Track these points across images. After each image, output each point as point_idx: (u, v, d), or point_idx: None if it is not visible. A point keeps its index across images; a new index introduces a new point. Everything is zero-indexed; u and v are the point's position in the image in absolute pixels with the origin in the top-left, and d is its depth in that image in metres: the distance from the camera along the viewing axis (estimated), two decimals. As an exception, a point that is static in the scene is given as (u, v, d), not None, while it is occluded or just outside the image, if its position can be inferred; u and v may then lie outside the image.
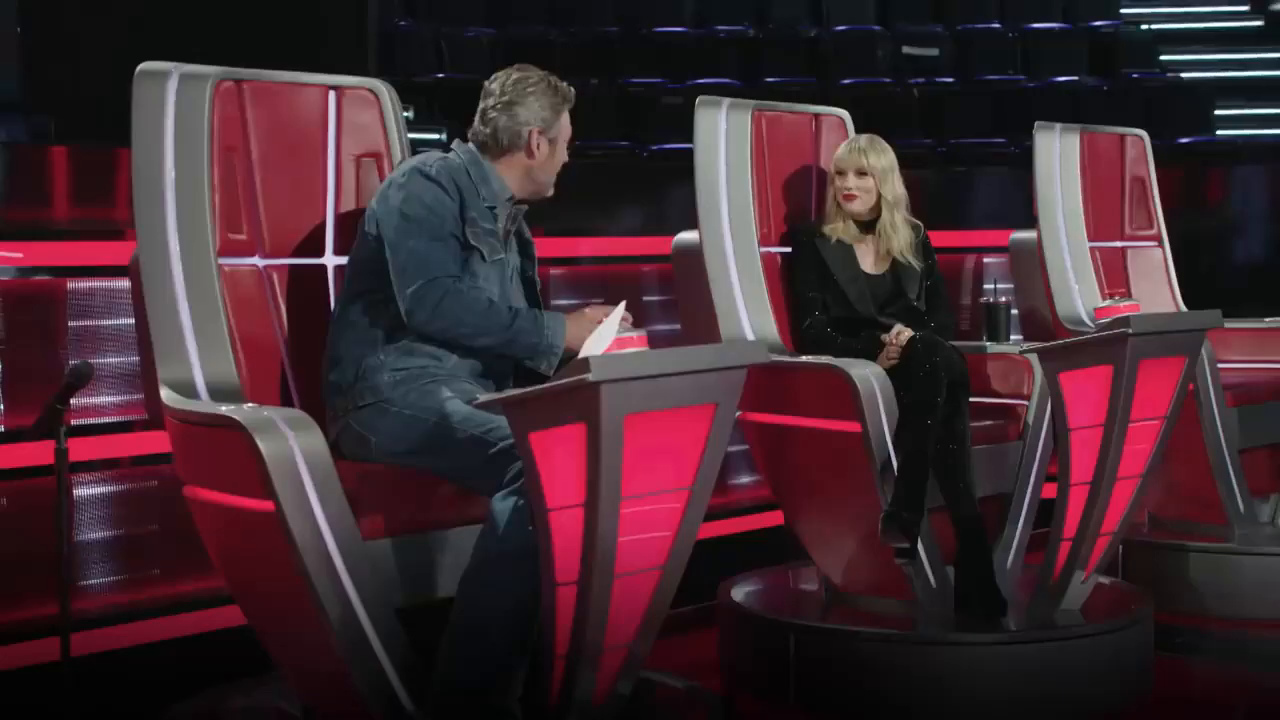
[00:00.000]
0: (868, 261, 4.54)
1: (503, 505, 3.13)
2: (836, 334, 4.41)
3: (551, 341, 3.46)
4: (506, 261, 3.59)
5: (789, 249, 4.61)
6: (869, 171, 4.49)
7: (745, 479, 6.03)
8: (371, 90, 3.84)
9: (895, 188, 4.51)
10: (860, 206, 4.51)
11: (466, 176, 3.54)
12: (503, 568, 3.11)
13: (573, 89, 3.67)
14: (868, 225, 4.55)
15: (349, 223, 3.74)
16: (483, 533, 3.17)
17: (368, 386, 3.44)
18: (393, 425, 3.39)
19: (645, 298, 5.90)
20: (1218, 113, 10.93)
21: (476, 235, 3.49)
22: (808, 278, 4.50)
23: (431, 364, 3.45)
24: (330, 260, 3.72)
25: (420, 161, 3.53)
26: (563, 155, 3.66)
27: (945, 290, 4.64)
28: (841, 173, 4.51)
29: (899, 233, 4.52)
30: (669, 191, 6.28)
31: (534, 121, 3.58)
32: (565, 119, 3.64)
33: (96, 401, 4.42)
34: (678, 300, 4.81)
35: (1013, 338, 5.05)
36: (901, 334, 4.26)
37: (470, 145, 3.62)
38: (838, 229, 4.52)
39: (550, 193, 3.69)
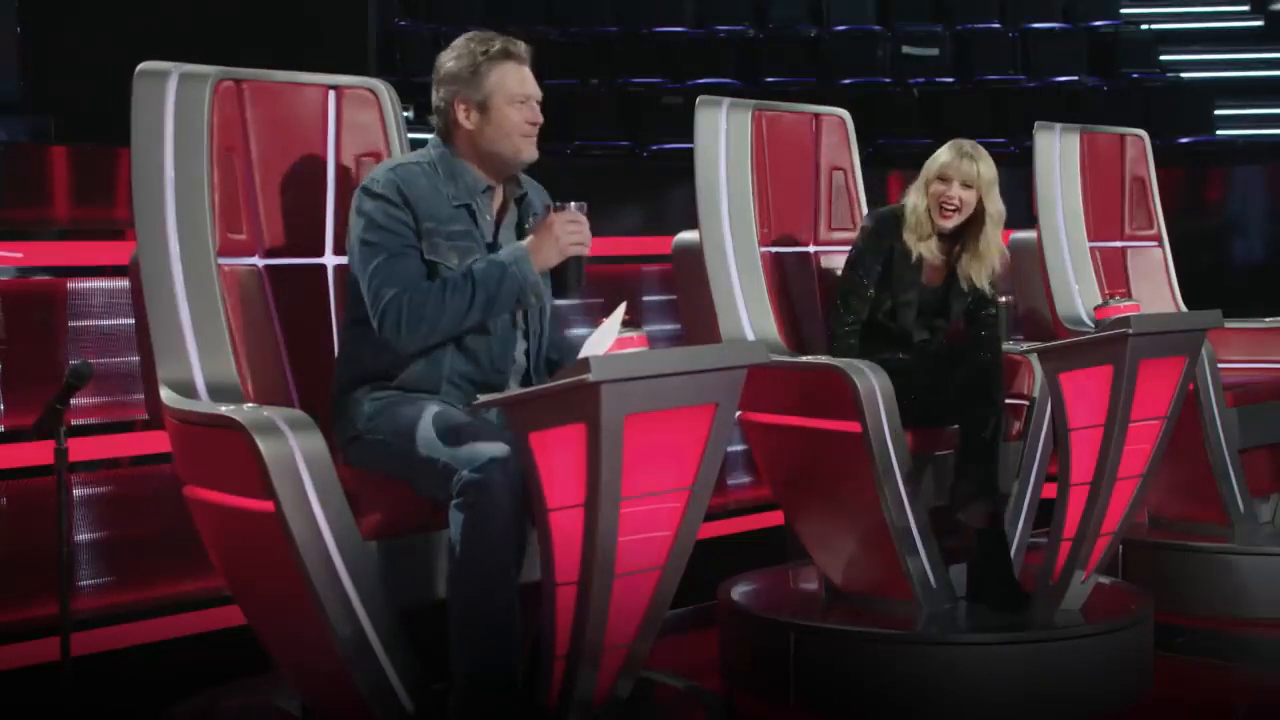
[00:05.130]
0: (930, 274, 4.38)
1: (453, 519, 3.07)
2: (862, 347, 4.35)
3: (523, 279, 3.22)
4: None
5: (859, 235, 4.43)
6: (974, 184, 4.26)
7: (745, 479, 6.03)
8: (371, 90, 3.83)
9: (998, 202, 4.29)
10: (956, 222, 4.27)
11: (431, 176, 3.35)
12: (468, 578, 3.06)
13: (503, 42, 3.35)
14: (948, 239, 4.35)
15: (349, 223, 3.74)
16: (447, 544, 3.12)
17: (349, 420, 3.37)
18: (369, 455, 3.32)
19: (645, 298, 5.91)
20: (1218, 113, 10.93)
21: (435, 247, 3.30)
22: (865, 277, 4.33)
23: (412, 394, 3.34)
24: (330, 260, 3.71)
25: (370, 178, 3.36)
26: (511, 115, 3.32)
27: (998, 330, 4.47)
28: (946, 180, 4.26)
29: (991, 254, 4.31)
30: (669, 191, 6.29)
31: (452, 92, 3.34)
32: (498, 74, 3.32)
33: (96, 401, 4.42)
34: (678, 300, 4.81)
35: (1013, 338, 5.05)
36: None
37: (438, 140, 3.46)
38: (922, 243, 4.29)
39: (524, 157, 3.37)
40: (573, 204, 3.29)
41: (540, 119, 3.39)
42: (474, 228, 3.37)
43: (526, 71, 3.39)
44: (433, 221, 3.31)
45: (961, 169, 4.25)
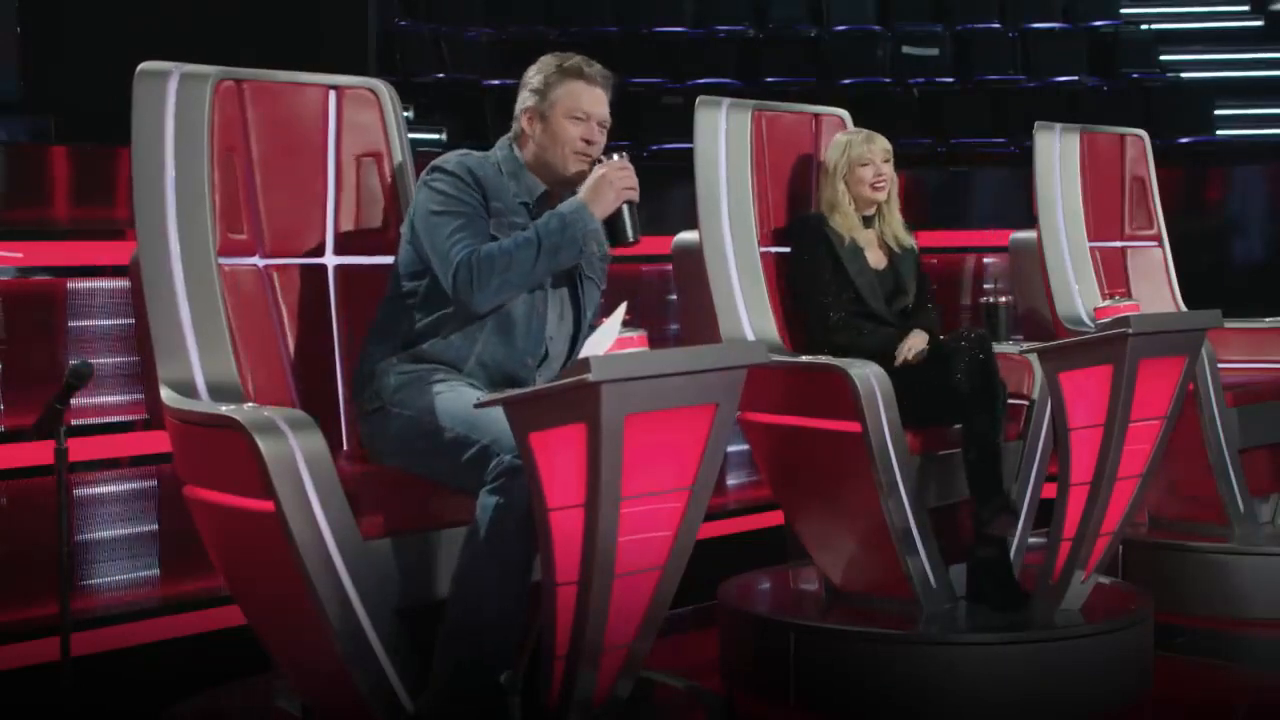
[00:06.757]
0: (872, 257, 4.54)
1: (484, 503, 3.11)
2: (862, 325, 4.42)
3: (584, 226, 3.37)
4: None
5: (794, 241, 4.58)
6: (889, 158, 4.55)
7: (745, 479, 6.03)
8: (371, 90, 3.84)
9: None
10: (885, 194, 4.54)
11: (495, 171, 3.50)
12: (488, 566, 3.10)
13: (578, 61, 3.52)
14: (868, 220, 4.57)
15: (349, 223, 3.74)
16: (468, 532, 3.14)
17: (374, 390, 3.44)
18: (392, 428, 3.38)
19: (645, 298, 5.91)
20: (1218, 113, 10.91)
21: (500, 225, 3.43)
22: (821, 273, 4.46)
23: (440, 369, 3.42)
24: (330, 260, 3.72)
25: (439, 160, 3.51)
26: (568, 129, 3.48)
27: (929, 284, 4.67)
28: (866, 163, 4.50)
29: (897, 210, 4.59)
30: (669, 191, 6.28)
31: (525, 99, 3.54)
32: (564, 90, 3.49)
33: (96, 401, 4.42)
34: (678, 300, 4.81)
35: (1013, 338, 5.05)
36: (916, 350, 4.35)
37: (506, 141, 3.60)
38: (850, 225, 4.50)
39: (571, 173, 3.50)
40: (615, 155, 3.44)
41: (596, 139, 3.52)
42: (530, 222, 3.47)
43: (598, 93, 3.54)
44: (499, 203, 3.46)
45: (879, 148, 4.54)
